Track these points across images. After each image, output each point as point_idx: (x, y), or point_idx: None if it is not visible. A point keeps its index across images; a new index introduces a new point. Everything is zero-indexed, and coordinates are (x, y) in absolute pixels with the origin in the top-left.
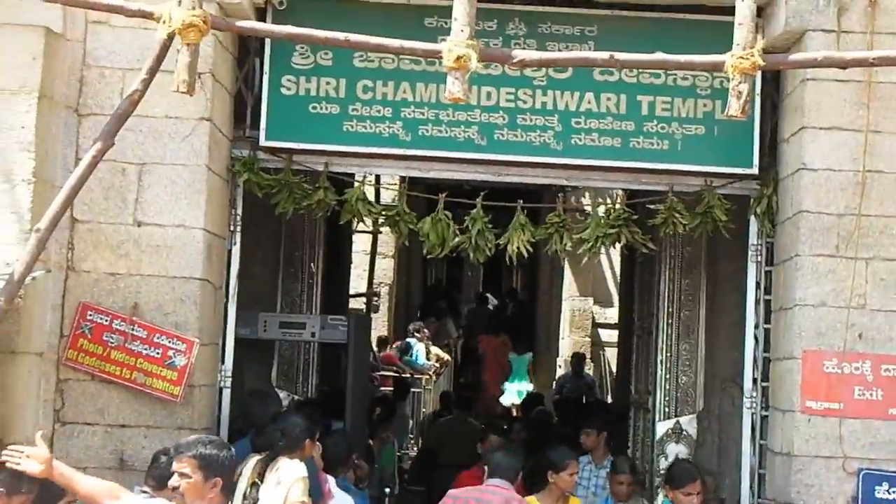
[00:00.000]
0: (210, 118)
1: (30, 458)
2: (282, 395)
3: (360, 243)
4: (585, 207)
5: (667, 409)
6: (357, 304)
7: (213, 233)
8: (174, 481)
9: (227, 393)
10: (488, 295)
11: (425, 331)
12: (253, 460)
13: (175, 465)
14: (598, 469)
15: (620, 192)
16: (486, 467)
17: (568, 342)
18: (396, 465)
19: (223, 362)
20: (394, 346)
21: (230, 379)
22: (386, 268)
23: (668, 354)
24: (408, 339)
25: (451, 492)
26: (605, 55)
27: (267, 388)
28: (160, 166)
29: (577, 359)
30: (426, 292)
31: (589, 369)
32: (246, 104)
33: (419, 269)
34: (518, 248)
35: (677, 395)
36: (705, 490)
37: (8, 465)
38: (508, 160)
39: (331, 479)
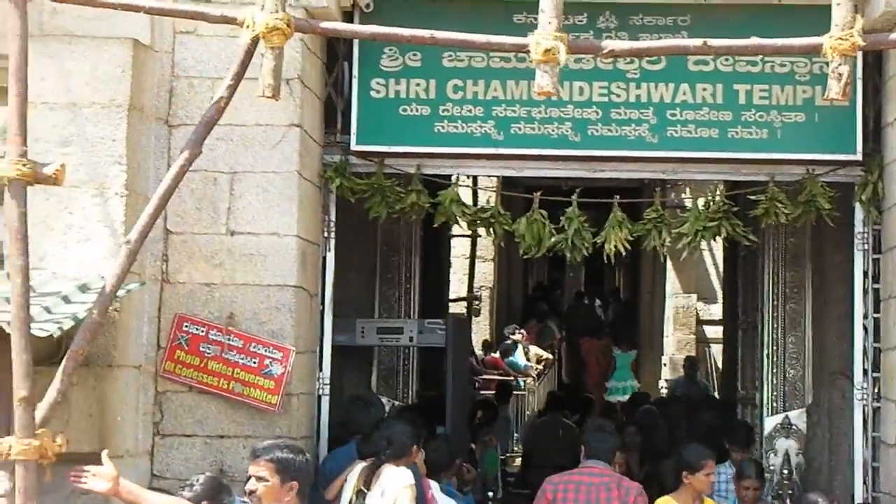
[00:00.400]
0: (300, 124)
1: (96, 477)
2: (383, 400)
3: (460, 247)
4: (686, 203)
5: (775, 404)
6: (458, 308)
7: (306, 240)
8: (251, 485)
9: (325, 401)
10: (582, 291)
11: (522, 332)
12: (359, 467)
13: (251, 469)
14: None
15: (720, 185)
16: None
17: (672, 340)
18: (499, 469)
19: (321, 370)
20: (498, 349)
21: (328, 386)
22: (486, 271)
23: (775, 348)
24: (510, 340)
25: (548, 478)
26: (698, 42)
27: (368, 395)
28: (251, 174)
29: (691, 362)
30: (527, 295)
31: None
32: (336, 109)
33: (520, 271)
34: (616, 245)
35: (785, 390)
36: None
37: (75, 485)
38: (603, 156)
39: (434, 485)
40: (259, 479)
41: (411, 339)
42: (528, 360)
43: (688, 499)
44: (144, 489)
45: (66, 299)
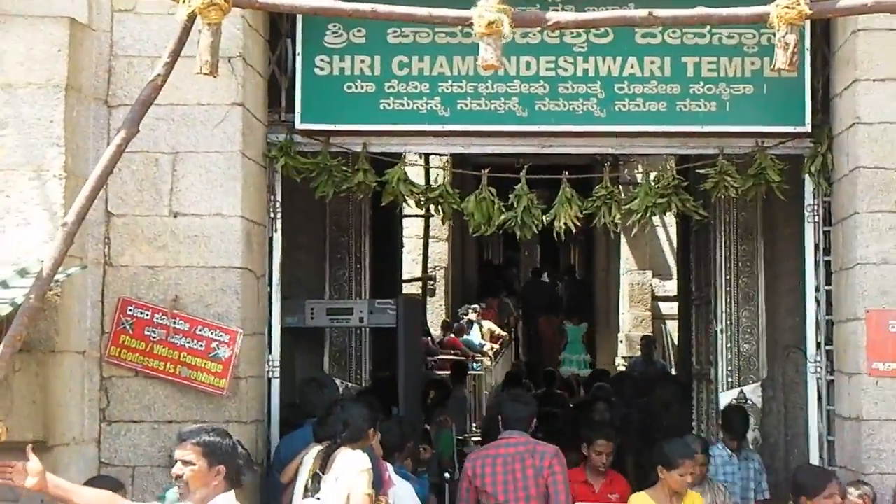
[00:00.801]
0: (242, 103)
1: (21, 473)
2: (336, 382)
3: (413, 227)
4: (639, 180)
5: (730, 379)
6: (412, 288)
7: (251, 220)
8: (177, 469)
9: (275, 383)
10: (539, 269)
11: (477, 309)
12: (314, 450)
13: (178, 454)
14: (741, 462)
15: (670, 159)
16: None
17: (628, 317)
18: (455, 450)
19: (270, 352)
20: (453, 329)
21: (278, 369)
22: (440, 251)
23: (728, 323)
24: (467, 319)
25: (468, 455)
26: (643, 13)
27: (322, 376)
28: (194, 154)
29: (647, 342)
30: (482, 273)
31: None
32: (280, 87)
33: (474, 251)
34: (566, 223)
35: (740, 365)
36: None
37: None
38: (551, 131)
39: (390, 467)
40: (186, 462)
41: (361, 319)
42: (482, 338)
43: (663, 495)
44: (73, 484)
45: (5, 284)
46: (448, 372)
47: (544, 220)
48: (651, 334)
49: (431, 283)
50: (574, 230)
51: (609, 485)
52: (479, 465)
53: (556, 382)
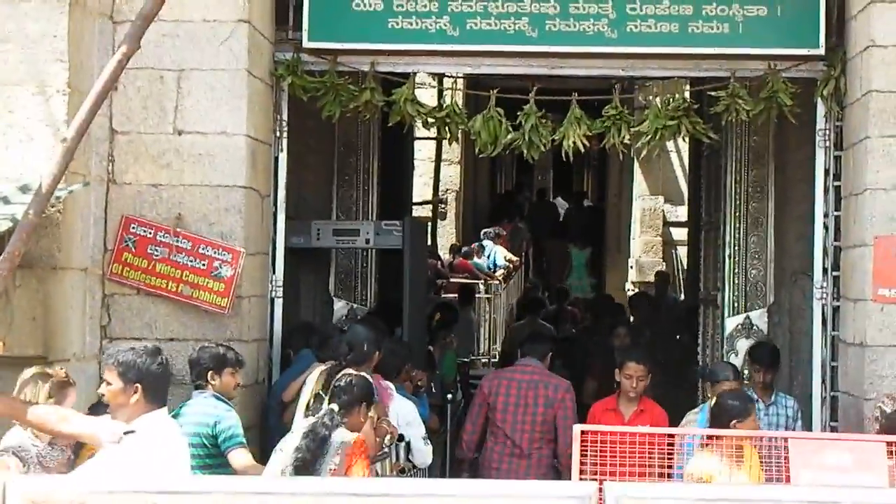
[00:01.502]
0: (248, 20)
1: None
2: (340, 304)
3: (425, 150)
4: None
5: (736, 305)
6: (423, 211)
7: (256, 139)
8: (101, 390)
9: (278, 304)
10: (545, 189)
11: (498, 230)
12: (318, 370)
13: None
14: (768, 408)
15: (681, 82)
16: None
17: (639, 242)
18: (457, 372)
19: (273, 272)
20: (462, 252)
21: (281, 289)
22: (452, 174)
23: (737, 248)
24: (483, 241)
25: (486, 376)
26: None
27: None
28: (199, 72)
29: (662, 278)
30: (494, 198)
31: (661, 267)
32: (287, 5)
33: (486, 174)
34: (574, 142)
35: (746, 290)
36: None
37: None
38: (562, 52)
39: (391, 386)
40: (106, 382)
41: (367, 241)
42: (503, 259)
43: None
44: (20, 401)
45: (6, 200)
46: (456, 295)
47: (552, 140)
48: (665, 270)
49: (442, 206)
50: (583, 150)
51: (640, 414)
52: (495, 385)
53: (568, 299)
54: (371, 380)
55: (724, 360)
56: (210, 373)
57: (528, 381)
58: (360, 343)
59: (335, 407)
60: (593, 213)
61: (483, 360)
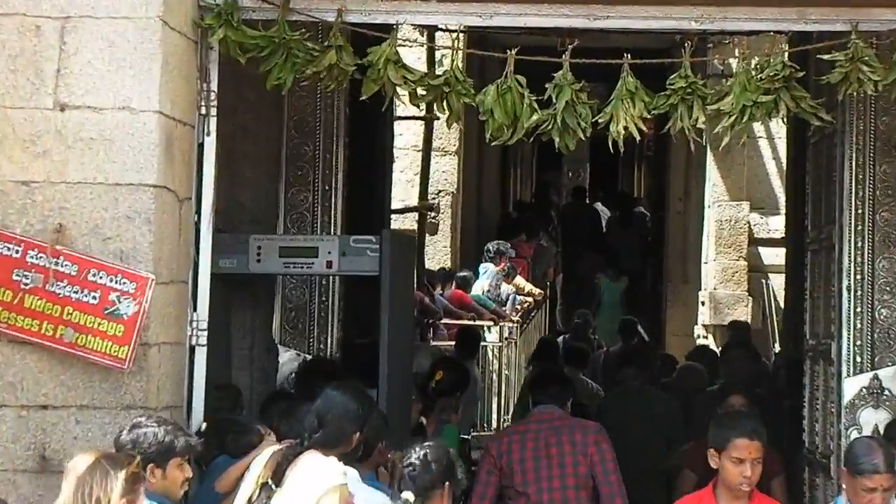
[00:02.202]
0: None
1: None
2: (288, 354)
3: (410, 136)
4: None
5: (859, 359)
6: (404, 222)
7: (173, 118)
8: None
9: (201, 354)
10: (584, 188)
11: (510, 252)
12: (268, 451)
13: None
14: None
15: (779, 39)
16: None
17: (713, 268)
18: (460, 453)
19: (195, 309)
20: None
21: (206, 333)
22: (448, 170)
23: (859, 277)
24: (484, 263)
25: (490, 437)
26: None
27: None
28: (91, 21)
29: (737, 332)
30: (505, 202)
31: (747, 306)
32: None
33: (496, 170)
34: (626, 127)
35: (874, 338)
36: None
37: None
38: None
39: (351, 472)
40: None
41: (330, 264)
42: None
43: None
44: None
45: None
46: (451, 343)
47: (595, 123)
48: (741, 321)
49: (432, 214)
50: (639, 139)
51: None
52: (504, 444)
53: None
54: (342, 467)
55: (842, 437)
56: (150, 466)
57: (548, 429)
58: (335, 418)
59: (410, 498)
60: (642, 225)
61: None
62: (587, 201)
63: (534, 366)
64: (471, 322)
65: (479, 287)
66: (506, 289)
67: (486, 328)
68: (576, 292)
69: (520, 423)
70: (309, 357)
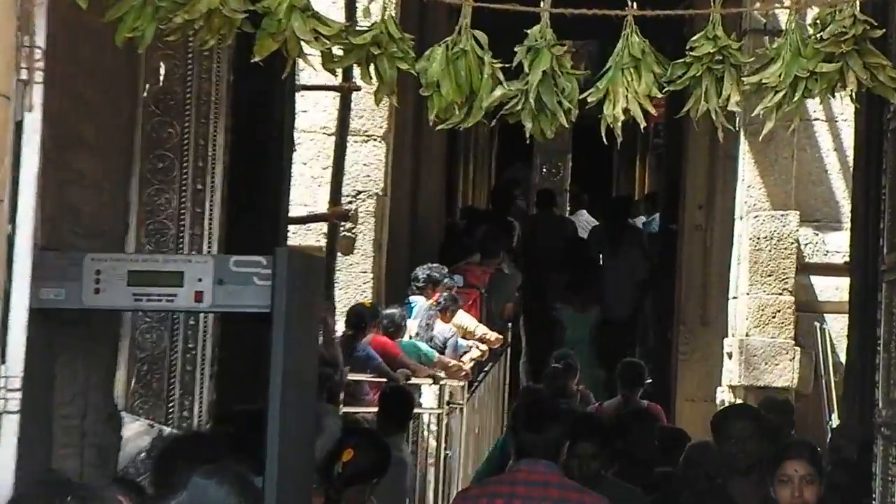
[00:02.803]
0: None
1: None
2: (136, 426)
3: (319, 112)
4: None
5: None
6: (307, 237)
7: None
8: None
9: (10, 425)
10: (550, 192)
11: (451, 281)
12: None
13: None
14: None
15: None
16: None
17: (746, 304)
18: None
19: (3, 361)
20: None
21: (18, 396)
22: (371, 162)
23: None
24: (410, 299)
25: (461, 493)
26: None
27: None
28: None
29: (778, 416)
30: (451, 210)
31: (792, 360)
32: None
33: (440, 163)
34: (627, 109)
35: None
36: None
37: None
38: None
39: None
40: None
41: (200, 296)
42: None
43: None
44: None
45: None
46: (372, 409)
47: (583, 103)
48: (782, 398)
49: (348, 226)
50: (643, 125)
51: None
52: None
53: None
54: None
55: None
56: None
57: (541, 499)
58: None
59: None
60: (636, 245)
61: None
62: (556, 208)
63: (523, 391)
64: (395, 380)
65: (406, 331)
66: (442, 330)
67: (425, 390)
68: (544, 334)
69: (497, 478)
70: (168, 430)
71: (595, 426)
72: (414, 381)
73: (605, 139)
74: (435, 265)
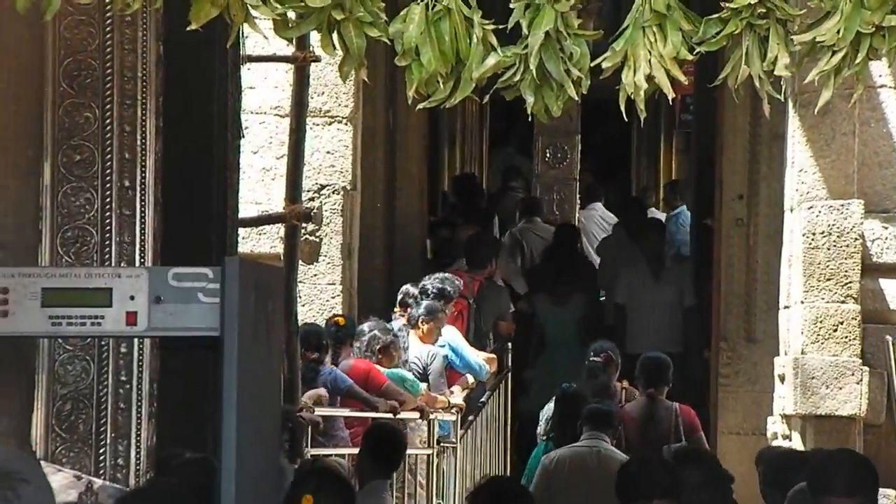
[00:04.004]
0: None
1: None
2: (58, 477)
3: (270, 89)
4: None
5: None
6: (262, 242)
7: None
8: None
9: None
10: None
11: (437, 283)
12: None
13: None
14: None
15: None
16: None
17: (801, 316)
18: None
19: None
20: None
21: None
22: (337, 149)
23: None
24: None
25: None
26: None
27: None
28: None
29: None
30: (433, 206)
31: (859, 383)
32: None
33: (421, 150)
34: (651, 76)
35: None
36: None
37: None
38: None
39: None
40: None
41: (134, 317)
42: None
43: None
44: None
45: None
46: (347, 450)
47: (596, 71)
48: (852, 451)
49: (310, 228)
50: (672, 97)
51: None
52: None
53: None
54: None
55: None
56: None
57: None
58: None
59: None
60: (656, 239)
61: None
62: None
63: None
64: (386, 414)
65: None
66: (420, 352)
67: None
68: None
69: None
70: (100, 482)
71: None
72: (401, 415)
73: (624, 115)
74: (437, 279)
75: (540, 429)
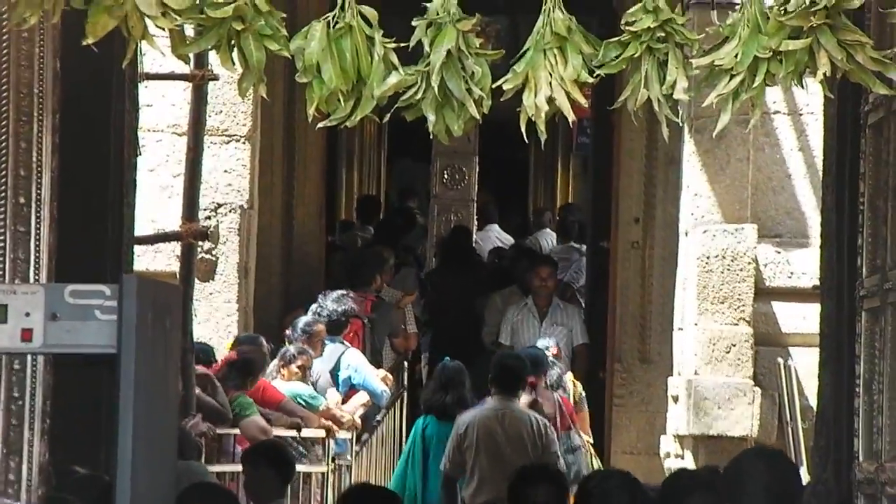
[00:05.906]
0: None
1: None
2: None
3: (167, 107)
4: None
5: None
6: (158, 259)
7: None
8: None
9: None
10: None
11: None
12: None
13: None
14: None
15: None
16: None
17: (695, 338)
18: None
19: None
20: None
21: None
22: (234, 168)
23: None
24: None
25: None
26: None
27: None
28: None
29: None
30: (330, 225)
31: (751, 404)
32: None
33: (319, 169)
34: (552, 98)
35: None
36: None
37: None
38: None
39: None
40: None
41: (28, 335)
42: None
43: None
44: None
45: None
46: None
47: (496, 92)
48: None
49: (207, 246)
50: (572, 119)
51: None
52: None
53: None
54: None
55: None
56: None
57: None
58: None
59: None
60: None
61: None
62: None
63: None
64: (286, 431)
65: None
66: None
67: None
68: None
69: None
70: None
71: None
72: (305, 433)
73: (525, 136)
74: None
75: None
